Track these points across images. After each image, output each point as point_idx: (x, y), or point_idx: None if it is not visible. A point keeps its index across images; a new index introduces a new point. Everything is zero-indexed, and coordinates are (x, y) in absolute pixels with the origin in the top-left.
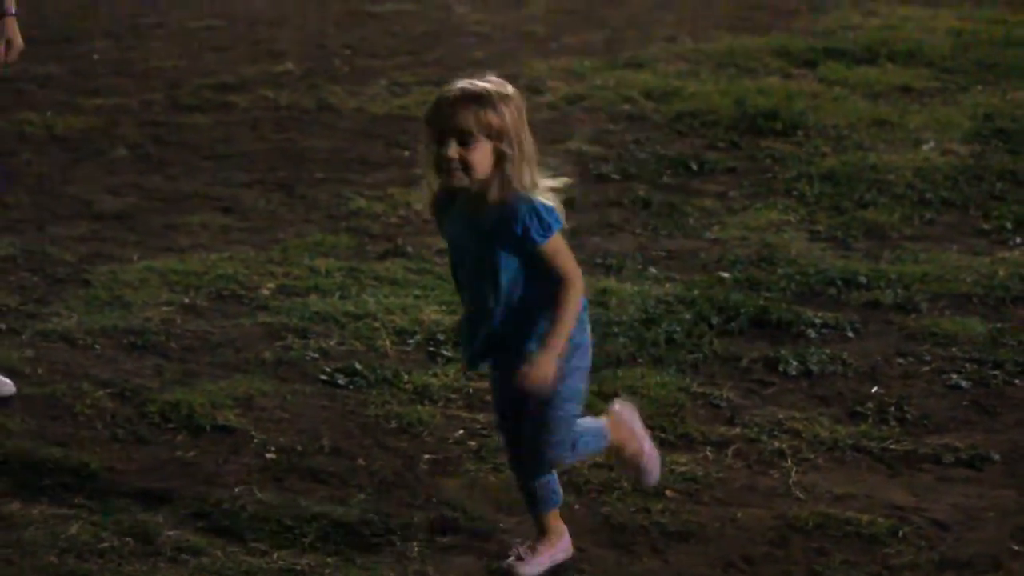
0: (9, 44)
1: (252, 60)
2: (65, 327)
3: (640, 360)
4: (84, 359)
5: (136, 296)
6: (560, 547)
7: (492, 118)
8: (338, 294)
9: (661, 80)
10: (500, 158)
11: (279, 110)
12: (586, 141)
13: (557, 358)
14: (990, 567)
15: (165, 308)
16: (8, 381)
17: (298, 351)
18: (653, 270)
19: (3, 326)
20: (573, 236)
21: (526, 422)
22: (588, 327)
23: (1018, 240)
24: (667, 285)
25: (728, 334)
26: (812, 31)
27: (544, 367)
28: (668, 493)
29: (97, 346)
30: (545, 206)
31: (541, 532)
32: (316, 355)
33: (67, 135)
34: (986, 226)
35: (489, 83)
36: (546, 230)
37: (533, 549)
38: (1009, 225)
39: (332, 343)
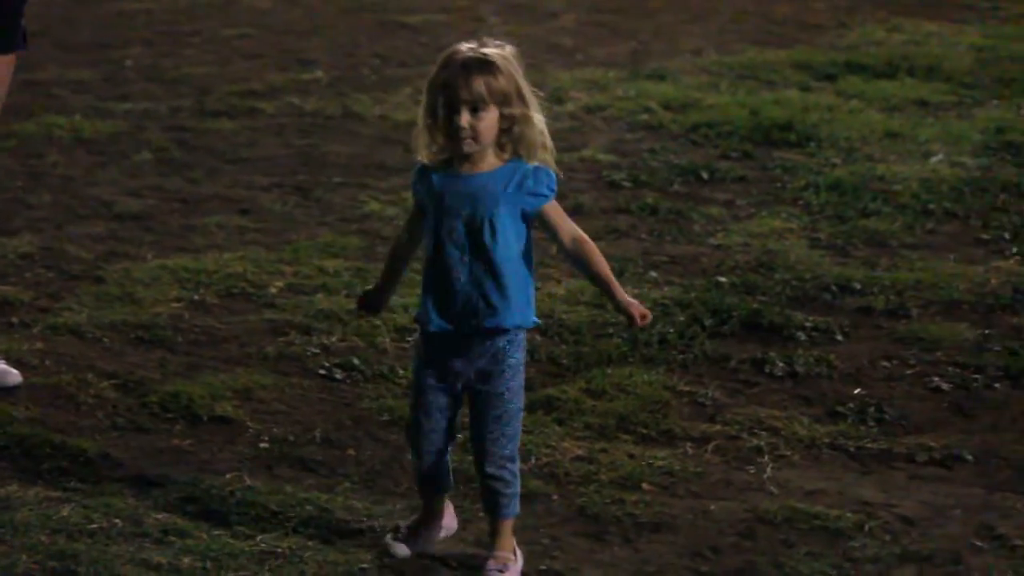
0: None
1: (281, 68)
2: (75, 321)
3: (631, 359)
4: (91, 352)
5: (147, 293)
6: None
7: (501, 85)
8: (344, 293)
9: (681, 91)
10: (506, 121)
11: (304, 116)
12: (601, 150)
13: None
14: (950, 561)
15: (175, 304)
16: (14, 371)
17: (300, 346)
18: (653, 274)
19: (15, 320)
20: None
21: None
22: None
23: (1014, 250)
24: (665, 289)
25: (720, 336)
26: (836, 45)
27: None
28: (644, 486)
29: (105, 340)
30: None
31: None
32: (317, 350)
33: (94, 138)
34: (985, 236)
35: (492, 47)
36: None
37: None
38: (1007, 235)
39: (334, 339)
